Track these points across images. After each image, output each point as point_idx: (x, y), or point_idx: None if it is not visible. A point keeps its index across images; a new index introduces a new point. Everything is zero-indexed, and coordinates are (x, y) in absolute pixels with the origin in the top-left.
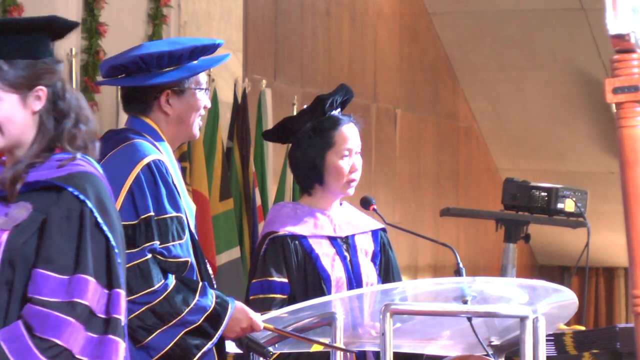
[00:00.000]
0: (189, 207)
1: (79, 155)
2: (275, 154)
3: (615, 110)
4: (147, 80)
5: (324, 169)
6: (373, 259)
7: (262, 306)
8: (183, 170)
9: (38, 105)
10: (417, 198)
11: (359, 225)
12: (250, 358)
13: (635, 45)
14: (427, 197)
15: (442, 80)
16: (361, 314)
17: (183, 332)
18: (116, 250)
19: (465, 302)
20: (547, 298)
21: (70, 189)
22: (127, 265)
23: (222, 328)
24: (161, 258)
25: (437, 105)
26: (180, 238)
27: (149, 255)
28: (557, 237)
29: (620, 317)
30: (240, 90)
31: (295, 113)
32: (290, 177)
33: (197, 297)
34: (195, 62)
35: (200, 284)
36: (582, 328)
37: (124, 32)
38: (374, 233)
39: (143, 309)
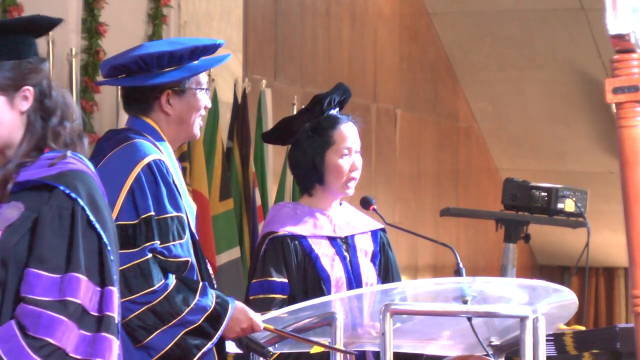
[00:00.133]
0: (189, 207)
1: (69, 153)
2: (275, 154)
3: (615, 110)
4: (148, 80)
5: (324, 168)
6: (373, 259)
7: (262, 306)
8: (183, 170)
9: (25, 105)
10: (417, 198)
11: (358, 225)
12: (250, 358)
13: (635, 45)
14: (427, 197)
15: (442, 80)
16: (361, 314)
17: (183, 332)
18: (109, 248)
19: (465, 302)
20: (547, 298)
21: (61, 188)
22: (128, 265)
23: (222, 328)
24: (161, 258)
25: (437, 105)
26: (180, 238)
27: (150, 255)
28: (557, 237)
29: (620, 317)
30: (240, 90)
31: (295, 113)
32: (290, 177)
33: (197, 297)
34: (195, 62)
35: (201, 284)
36: (582, 328)
37: (124, 32)
38: (374, 233)
39: (143, 308)
